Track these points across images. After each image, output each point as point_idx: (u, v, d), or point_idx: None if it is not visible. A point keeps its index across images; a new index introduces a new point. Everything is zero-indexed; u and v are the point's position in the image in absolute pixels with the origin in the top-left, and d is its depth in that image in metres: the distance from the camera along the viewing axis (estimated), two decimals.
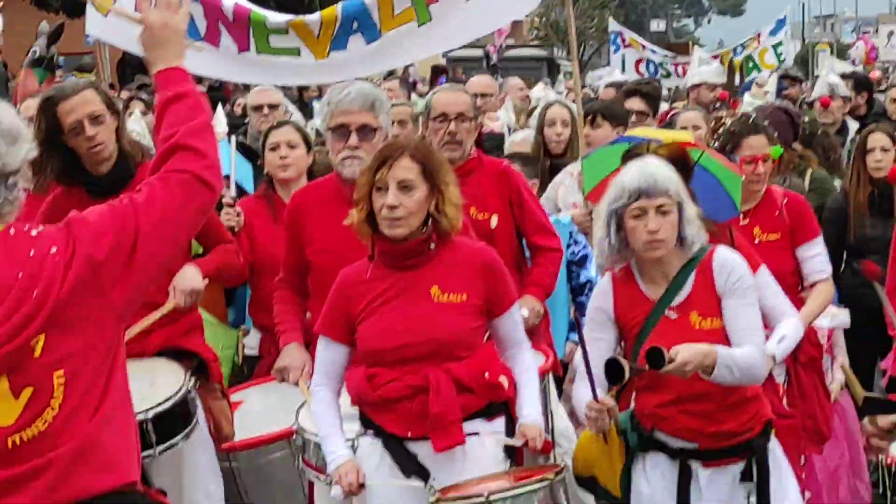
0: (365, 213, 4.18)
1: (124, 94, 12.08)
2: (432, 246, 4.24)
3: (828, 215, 6.23)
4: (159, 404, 4.76)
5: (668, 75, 15.66)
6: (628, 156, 5.19)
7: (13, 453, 2.88)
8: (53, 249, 2.93)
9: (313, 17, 7.47)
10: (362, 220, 4.18)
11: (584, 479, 4.66)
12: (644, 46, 17.30)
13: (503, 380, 4.29)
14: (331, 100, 5.28)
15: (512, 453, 4.34)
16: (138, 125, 9.27)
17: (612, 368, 4.09)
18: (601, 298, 4.57)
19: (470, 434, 4.18)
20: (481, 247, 4.58)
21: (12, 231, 2.97)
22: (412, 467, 4.23)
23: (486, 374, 4.25)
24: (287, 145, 6.18)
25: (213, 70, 7.64)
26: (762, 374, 4.45)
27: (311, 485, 4.91)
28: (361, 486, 4.16)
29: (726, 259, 4.38)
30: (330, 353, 4.36)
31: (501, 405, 4.34)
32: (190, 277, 5.13)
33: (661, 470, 4.40)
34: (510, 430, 4.33)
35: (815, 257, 5.60)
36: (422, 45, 7.28)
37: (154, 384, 4.98)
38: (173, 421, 4.85)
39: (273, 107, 8.64)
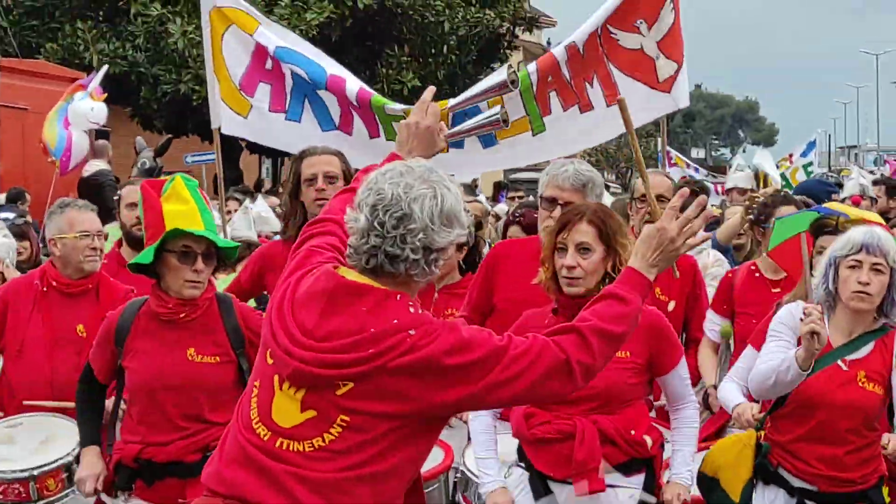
0: (550, 272, 4.57)
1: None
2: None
3: None
4: None
5: (708, 192, 16.98)
6: (817, 223, 5.76)
7: (275, 452, 3.19)
8: (412, 332, 3.16)
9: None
10: (549, 279, 4.58)
11: (707, 478, 4.92)
12: (688, 165, 18.61)
13: (647, 439, 4.60)
14: (549, 171, 5.62)
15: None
16: (263, 206, 11.03)
17: None
18: (793, 319, 4.79)
19: (609, 486, 4.50)
20: (651, 310, 4.75)
21: (399, 297, 3.23)
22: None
23: (633, 432, 4.58)
24: None
25: (349, 155, 7.82)
26: None
27: None
28: None
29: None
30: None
31: (643, 462, 4.64)
32: None
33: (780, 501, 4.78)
34: (648, 487, 4.62)
35: None
36: (533, 151, 7.72)
37: None
38: None
39: None
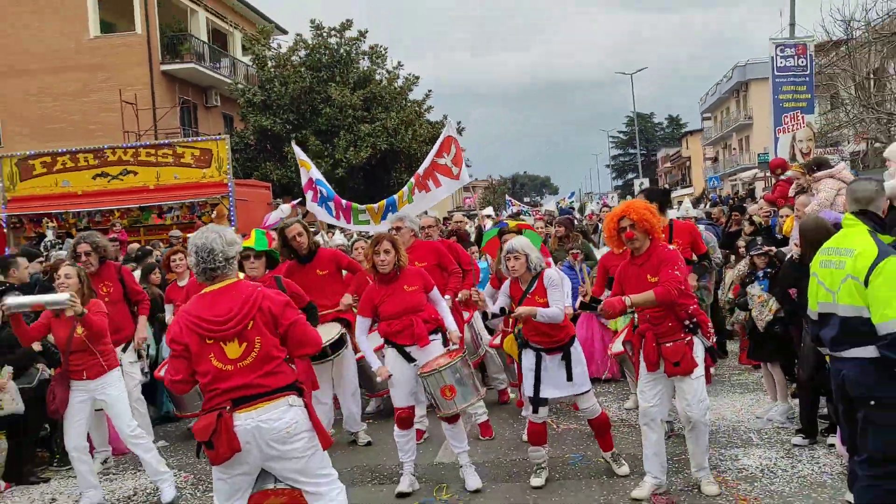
0: (371, 264, 5.21)
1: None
2: (398, 273, 5.24)
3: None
4: (331, 339, 5.98)
5: (529, 215, 20.49)
6: (499, 231, 6.87)
7: (239, 371, 3.38)
8: (255, 294, 3.43)
9: (374, 205, 9.32)
10: (371, 267, 5.22)
11: (505, 353, 6.03)
12: (520, 204, 26.58)
13: (437, 317, 5.33)
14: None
15: (445, 345, 5.31)
16: (340, 238, 12.37)
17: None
18: (506, 287, 5.37)
19: (431, 341, 5.27)
20: (419, 269, 5.46)
21: (240, 279, 3.57)
22: (408, 358, 5.25)
23: (433, 317, 5.31)
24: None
25: (337, 225, 9.82)
26: (560, 320, 5.10)
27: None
28: (390, 375, 5.23)
29: (549, 273, 5.23)
30: (364, 323, 5.32)
31: (439, 329, 5.33)
32: (346, 302, 6.28)
33: (531, 356, 5.25)
34: (444, 336, 5.35)
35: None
36: (411, 210, 8.50)
37: (329, 331, 6.12)
38: (339, 343, 6.13)
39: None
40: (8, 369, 5.90)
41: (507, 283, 5.35)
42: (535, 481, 5.23)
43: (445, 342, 5.31)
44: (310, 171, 9.56)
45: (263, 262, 5.65)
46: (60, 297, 5.10)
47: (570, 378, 5.14)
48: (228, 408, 3.36)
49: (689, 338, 4.73)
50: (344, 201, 9.34)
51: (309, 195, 9.42)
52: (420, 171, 9.09)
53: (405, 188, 9.08)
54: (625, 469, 5.30)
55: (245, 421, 3.35)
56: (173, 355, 3.49)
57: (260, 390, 3.38)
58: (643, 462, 5.01)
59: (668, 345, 4.71)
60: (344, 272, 6.61)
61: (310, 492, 3.49)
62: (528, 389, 5.22)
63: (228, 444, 3.32)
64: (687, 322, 4.74)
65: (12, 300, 5.13)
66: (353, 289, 6.40)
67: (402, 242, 5.49)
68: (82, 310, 5.15)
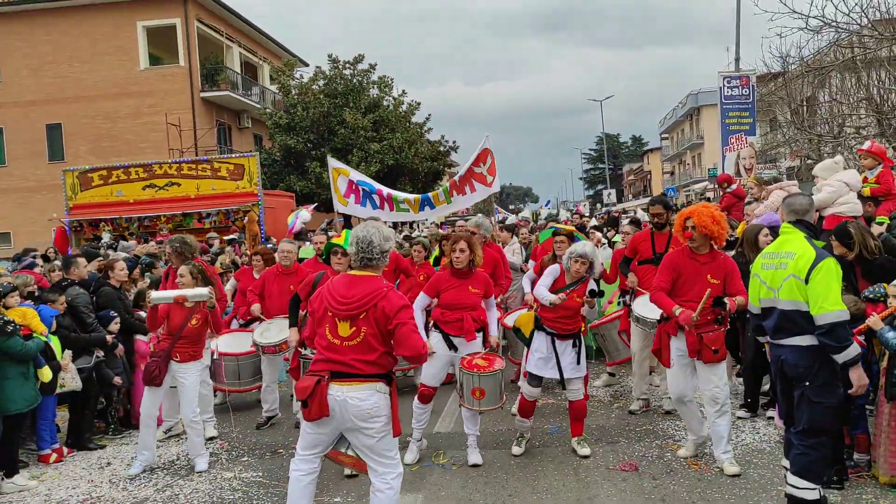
0: (448, 259, 5.09)
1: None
2: (472, 269, 5.08)
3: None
4: None
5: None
6: (554, 232, 6.42)
7: (344, 348, 3.33)
8: (384, 288, 3.32)
9: (412, 196, 9.19)
10: (448, 261, 5.12)
11: (516, 329, 5.26)
12: (506, 212, 26.51)
13: (485, 319, 5.16)
14: (467, 219, 6.43)
15: (484, 344, 5.18)
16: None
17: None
18: (555, 272, 5.08)
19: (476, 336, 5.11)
20: (485, 274, 5.24)
21: (376, 278, 3.34)
22: (452, 346, 5.07)
23: (481, 318, 5.12)
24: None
25: (382, 217, 8.62)
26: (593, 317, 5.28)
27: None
28: (433, 352, 4.99)
29: (592, 283, 5.02)
30: (424, 301, 5.13)
31: (482, 327, 5.15)
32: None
33: (543, 339, 5.01)
34: (484, 336, 5.16)
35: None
36: (447, 209, 9.09)
37: None
38: None
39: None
40: (68, 352, 5.82)
41: (554, 267, 5.13)
42: (516, 450, 5.16)
43: (484, 342, 5.16)
44: (349, 175, 9.22)
45: (349, 259, 5.34)
46: (202, 290, 5.13)
47: (578, 361, 4.99)
48: (327, 377, 3.32)
49: (721, 328, 4.60)
50: (385, 191, 9.12)
51: (351, 199, 9.11)
52: (456, 178, 8.89)
53: (440, 190, 8.89)
54: (586, 451, 5.02)
55: (336, 392, 3.32)
56: (310, 314, 3.52)
57: (355, 371, 3.32)
58: (687, 428, 4.89)
59: (709, 334, 4.53)
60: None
61: (372, 466, 3.44)
62: (531, 368, 5.06)
63: (319, 408, 3.30)
64: (718, 316, 4.61)
65: (156, 293, 5.13)
66: (404, 290, 6.26)
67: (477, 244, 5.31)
68: (214, 303, 5.25)
